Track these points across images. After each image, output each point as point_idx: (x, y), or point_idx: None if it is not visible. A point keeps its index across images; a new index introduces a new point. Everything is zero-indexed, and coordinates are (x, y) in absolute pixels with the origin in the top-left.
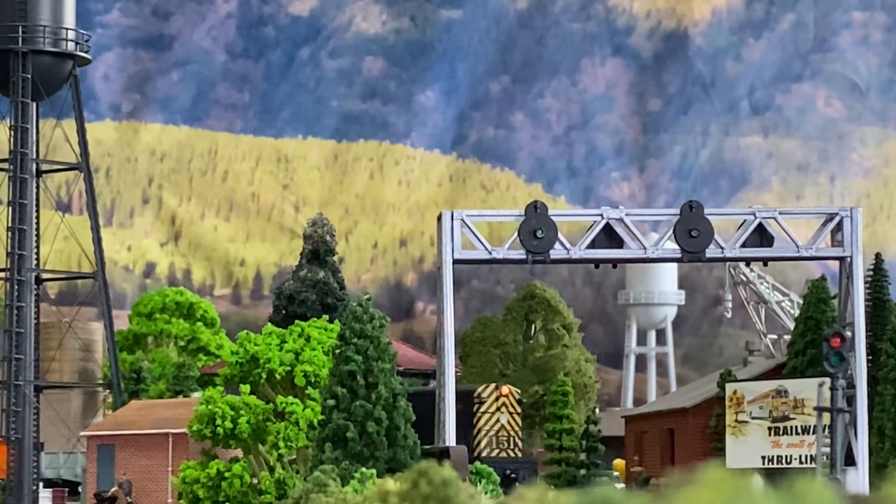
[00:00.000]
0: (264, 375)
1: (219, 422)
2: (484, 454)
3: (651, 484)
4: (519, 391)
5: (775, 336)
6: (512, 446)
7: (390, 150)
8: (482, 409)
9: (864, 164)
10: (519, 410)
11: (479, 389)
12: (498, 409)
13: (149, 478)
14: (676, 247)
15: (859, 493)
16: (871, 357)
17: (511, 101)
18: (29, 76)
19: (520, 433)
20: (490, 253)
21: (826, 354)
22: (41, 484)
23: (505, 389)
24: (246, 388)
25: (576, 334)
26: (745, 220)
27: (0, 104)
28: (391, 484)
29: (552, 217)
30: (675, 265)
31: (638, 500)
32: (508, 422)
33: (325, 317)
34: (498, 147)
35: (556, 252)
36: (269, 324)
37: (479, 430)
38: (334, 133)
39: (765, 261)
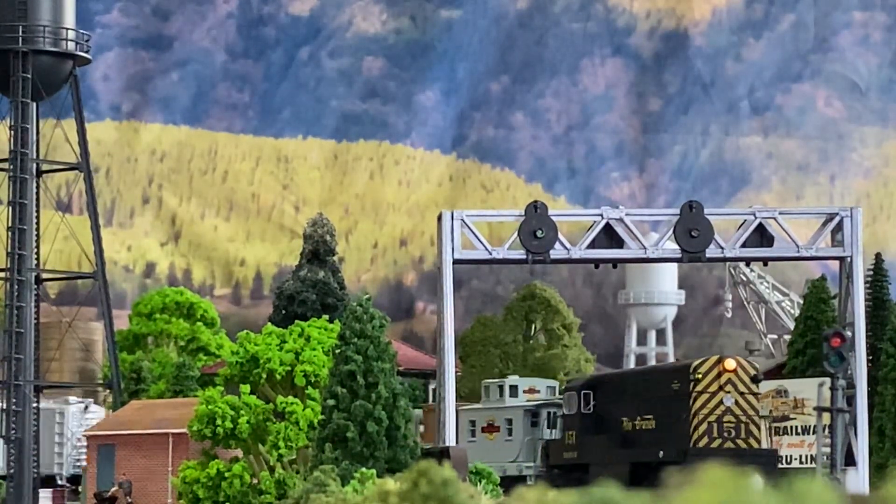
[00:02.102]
0: (264, 375)
1: (219, 422)
2: (701, 444)
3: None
4: (757, 366)
5: (775, 336)
6: (743, 435)
7: (390, 150)
8: (699, 388)
9: (864, 164)
10: (754, 389)
11: (696, 363)
12: (721, 387)
13: (149, 478)
14: (676, 247)
15: (859, 493)
16: (871, 357)
17: (511, 101)
18: (29, 76)
19: (756, 419)
20: (490, 253)
21: (826, 354)
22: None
23: (731, 363)
24: (246, 388)
25: (576, 334)
26: (745, 220)
27: (0, 104)
28: (391, 484)
29: (552, 217)
30: (675, 265)
31: (638, 499)
32: (737, 403)
33: (325, 317)
34: (498, 147)
35: (556, 252)
36: (269, 324)
37: (696, 415)
38: (334, 133)
39: (765, 261)
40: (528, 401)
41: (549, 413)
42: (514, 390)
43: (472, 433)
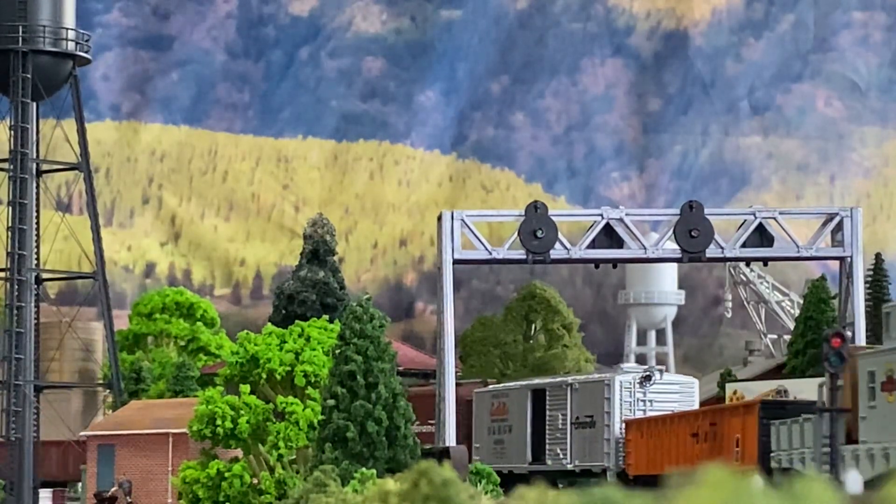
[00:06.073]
0: (264, 375)
1: (219, 422)
2: None
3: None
4: None
5: (775, 336)
6: None
7: (390, 150)
8: None
9: (864, 164)
10: None
11: None
12: None
13: (149, 478)
14: (676, 247)
15: (859, 493)
16: None
17: (511, 101)
18: (29, 76)
19: None
20: (490, 253)
21: (826, 354)
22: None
23: None
24: (246, 388)
25: (576, 334)
26: (745, 220)
27: (0, 104)
28: (391, 484)
29: (552, 217)
30: (675, 265)
31: (638, 500)
32: None
33: (325, 317)
34: (498, 147)
35: (556, 252)
36: (269, 324)
37: None
38: (334, 133)
39: (765, 261)
40: None
41: None
42: None
43: (872, 393)
